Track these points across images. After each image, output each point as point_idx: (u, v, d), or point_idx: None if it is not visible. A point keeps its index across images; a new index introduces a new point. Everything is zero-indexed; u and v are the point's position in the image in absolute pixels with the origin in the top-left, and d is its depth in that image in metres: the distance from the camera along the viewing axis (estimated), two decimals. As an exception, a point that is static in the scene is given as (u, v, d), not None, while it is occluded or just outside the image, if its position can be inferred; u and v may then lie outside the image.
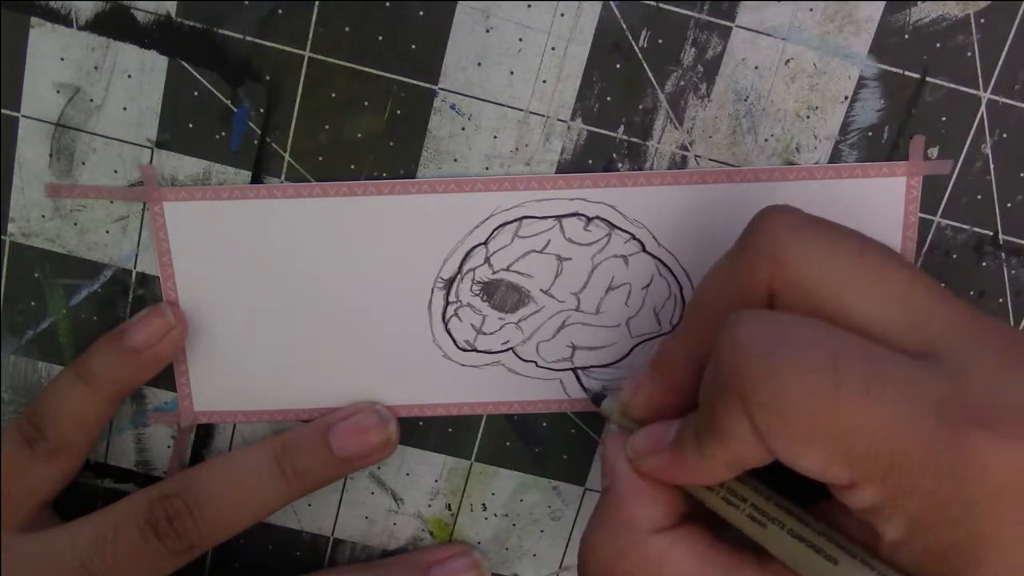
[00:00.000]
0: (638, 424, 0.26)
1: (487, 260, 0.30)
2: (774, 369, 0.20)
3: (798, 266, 0.22)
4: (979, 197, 0.30)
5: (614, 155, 0.30)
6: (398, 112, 0.29)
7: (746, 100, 0.29)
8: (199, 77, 0.29)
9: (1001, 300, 0.31)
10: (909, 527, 0.20)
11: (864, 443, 0.20)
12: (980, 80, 0.29)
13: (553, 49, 0.29)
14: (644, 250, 0.30)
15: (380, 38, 0.29)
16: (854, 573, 0.21)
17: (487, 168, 0.30)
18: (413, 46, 0.29)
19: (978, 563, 0.20)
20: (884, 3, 0.28)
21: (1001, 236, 0.30)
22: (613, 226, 0.30)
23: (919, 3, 0.28)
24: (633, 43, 0.29)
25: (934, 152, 0.30)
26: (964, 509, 0.19)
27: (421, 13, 0.28)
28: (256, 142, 0.30)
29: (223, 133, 0.30)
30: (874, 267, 0.22)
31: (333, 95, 0.29)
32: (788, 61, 0.29)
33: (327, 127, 0.30)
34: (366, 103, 0.29)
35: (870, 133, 0.29)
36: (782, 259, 0.23)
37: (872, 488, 0.20)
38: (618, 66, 0.29)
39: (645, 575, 0.24)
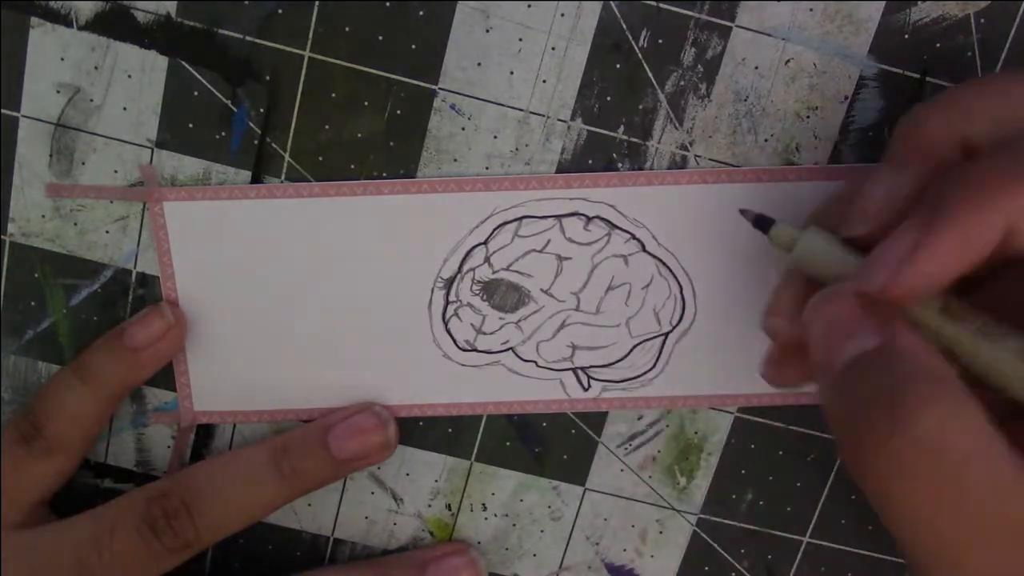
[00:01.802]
0: (844, 257, 0.22)
1: (487, 260, 0.30)
2: None
3: None
4: (979, 197, 0.30)
5: (614, 155, 0.30)
6: (398, 112, 0.29)
7: (746, 100, 0.29)
8: (199, 77, 0.29)
9: (1001, 300, 0.31)
10: None
11: None
12: (980, 80, 0.29)
13: (553, 49, 0.29)
14: (644, 250, 0.30)
15: (380, 38, 0.29)
16: None
17: (487, 168, 0.30)
18: (413, 46, 0.29)
19: None
20: (884, 3, 0.28)
21: (1001, 236, 0.30)
22: (613, 226, 0.30)
23: (919, 3, 0.28)
24: (633, 43, 0.29)
25: (934, 152, 0.30)
26: None
27: (421, 13, 0.28)
28: (256, 142, 0.30)
29: (223, 133, 0.30)
30: None
31: (333, 95, 0.29)
32: (788, 61, 0.29)
33: (327, 127, 0.30)
34: (366, 103, 0.29)
35: (870, 133, 0.29)
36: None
37: None
38: (618, 66, 0.29)
39: (979, 433, 0.19)
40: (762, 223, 0.24)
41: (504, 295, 0.31)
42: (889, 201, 0.22)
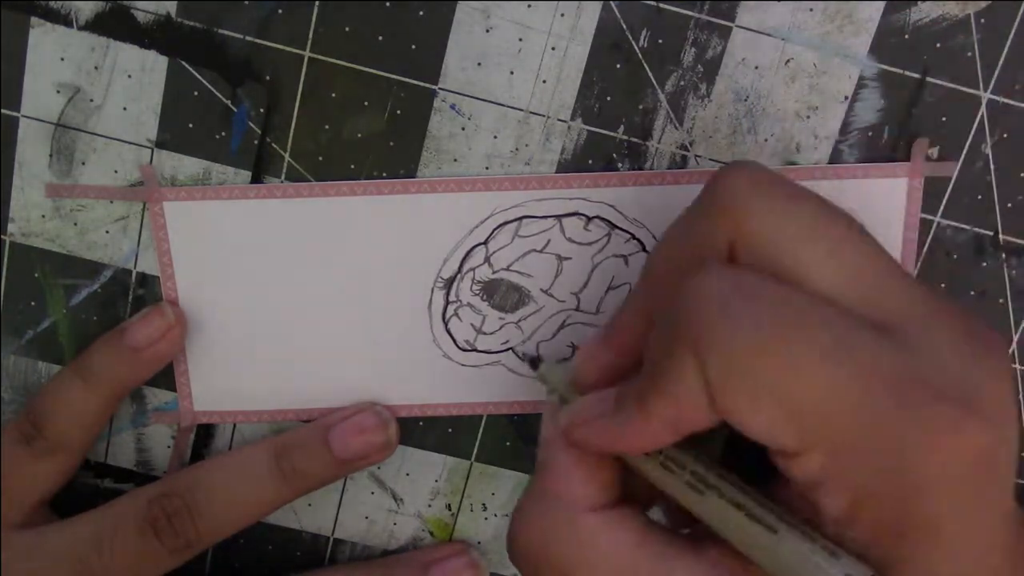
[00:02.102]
0: (579, 394, 0.25)
1: (487, 260, 0.30)
2: (733, 320, 0.20)
3: (758, 224, 0.21)
4: (979, 197, 0.30)
5: (614, 155, 0.30)
6: (398, 112, 0.29)
7: (746, 100, 0.29)
8: (199, 77, 0.29)
9: (1001, 300, 0.31)
10: (852, 503, 0.20)
11: (815, 409, 0.19)
12: (980, 80, 0.29)
13: (553, 49, 0.29)
14: (644, 250, 0.30)
15: (380, 38, 0.29)
16: (794, 544, 0.20)
17: (487, 168, 0.30)
18: (413, 46, 0.29)
19: (917, 545, 0.19)
20: (884, 3, 0.28)
21: (1001, 236, 0.30)
22: (613, 226, 0.30)
23: (919, 3, 0.28)
24: (633, 43, 0.29)
25: (934, 152, 0.30)
26: (907, 489, 0.19)
27: (421, 13, 0.28)
28: (256, 142, 0.30)
29: (223, 133, 0.30)
30: (834, 235, 0.21)
31: (333, 95, 0.29)
32: (788, 61, 0.29)
33: (327, 127, 0.30)
34: (366, 103, 0.29)
35: (870, 133, 0.29)
36: (743, 216, 0.22)
37: (817, 458, 0.19)
38: (618, 66, 0.29)
39: (575, 555, 0.23)
40: (533, 363, 0.28)
41: (504, 295, 0.31)
42: (594, 372, 0.25)
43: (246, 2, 0.28)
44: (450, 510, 0.34)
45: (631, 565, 0.22)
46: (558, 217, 0.30)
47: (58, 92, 0.29)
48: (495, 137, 0.30)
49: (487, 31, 0.28)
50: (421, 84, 0.29)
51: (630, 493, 0.24)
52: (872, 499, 0.19)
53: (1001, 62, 0.29)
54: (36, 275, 0.31)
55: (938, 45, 0.28)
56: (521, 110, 0.29)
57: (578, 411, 0.24)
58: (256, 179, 0.30)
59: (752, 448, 0.21)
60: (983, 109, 0.29)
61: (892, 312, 0.20)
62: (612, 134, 0.29)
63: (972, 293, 0.31)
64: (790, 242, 0.21)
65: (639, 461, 0.23)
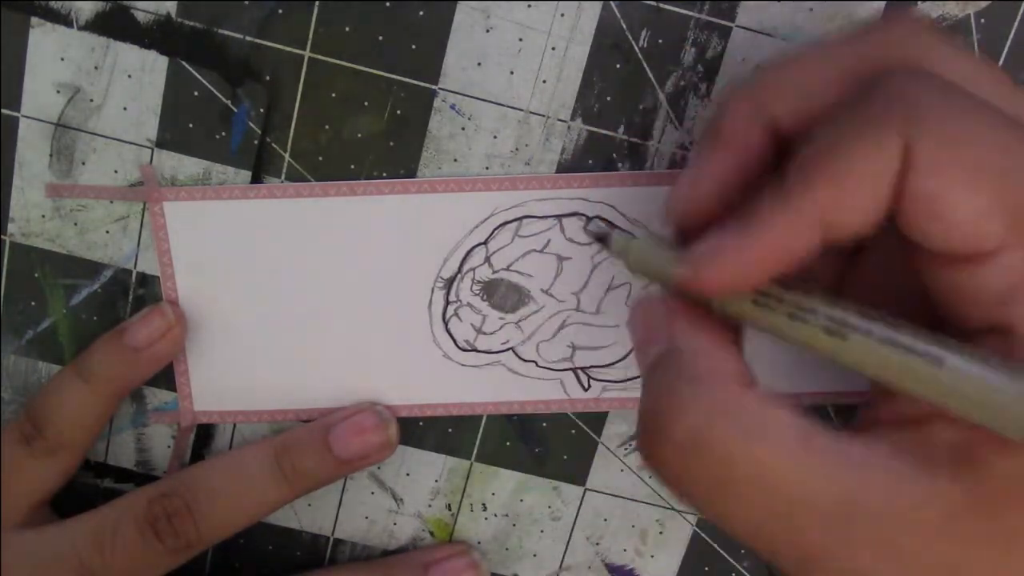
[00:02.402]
0: (671, 243, 0.22)
1: (487, 260, 0.30)
2: (958, 102, 0.18)
3: (930, 61, 0.20)
4: (979, 197, 0.30)
5: (614, 155, 0.30)
6: (398, 112, 0.29)
7: (746, 100, 0.29)
8: (199, 77, 0.29)
9: (1001, 300, 0.31)
10: None
11: None
12: (980, 80, 0.29)
13: (553, 49, 0.29)
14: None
15: (380, 38, 0.29)
16: (967, 372, 0.18)
17: (487, 168, 0.30)
18: (413, 46, 0.29)
19: None
20: (884, 3, 0.28)
21: (1001, 236, 0.30)
22: (613, 226, 0.30)
23: (919, 3, 0.28)
24: (633, 43, 0.29)
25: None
26: None
27: (421, 13, 0.28)
28: (256, 142, 0.30)
29: (223, 133, 0.30)
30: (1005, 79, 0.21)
31: (333, 95, 0.29)
32: (788, 61, 0.29)
33: (327, 127, 0.30)
34: (366, 103, 0.29)
35: (870, 133, 0.29)
36: (914, 51, 0.20)
37: (1021, 255, 0.18)
38: (618, 66, 0.29)
39: (746, 436, 0.19)
40: (602, 238, 0.25)
41: (504, 295, 0.31)
42: (692, 200, 0.22)
43: (246, 2, 0.28)
44: (450, 510, 0.34)
45: (806, 444, 0.19)
46: (558, 217, 0.30)
47: (58, 92, 0.29)
48: (495, 137, 0.30)
49: (487, 31, 0.28)
50: (421, 84, 0.29)
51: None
52: None
53: (1001, 62, 0.29)
54: (36, 275, 0.31)
55: (938, 45, 0.28)
56: (521, 110, 0.29)
57: (702, 253, 0.21)
58: (256, 179, 0.30)
59: None
60: (983, 109, 0.29)
61: None
62: (612, 134, 0.29)
63: (972, 293, 0.31)
64: (965, 75, 0.20)
65: (747, 309, 0.20)
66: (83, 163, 0.30)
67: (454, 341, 0.31)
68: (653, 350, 0.21)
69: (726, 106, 0.22)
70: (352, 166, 0.30)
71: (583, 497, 0.33)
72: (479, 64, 0.29)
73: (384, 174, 0.30)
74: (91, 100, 0.29)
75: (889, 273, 0.22)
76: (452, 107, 0.29)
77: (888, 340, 0.19)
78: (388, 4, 0.28)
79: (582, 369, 0.32)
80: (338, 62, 0.29)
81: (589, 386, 0.32)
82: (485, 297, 0.31)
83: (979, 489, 0.18)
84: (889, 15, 0.22)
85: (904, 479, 0.19)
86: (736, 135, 0.22)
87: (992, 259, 0.18)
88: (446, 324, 0.31)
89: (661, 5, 0.28)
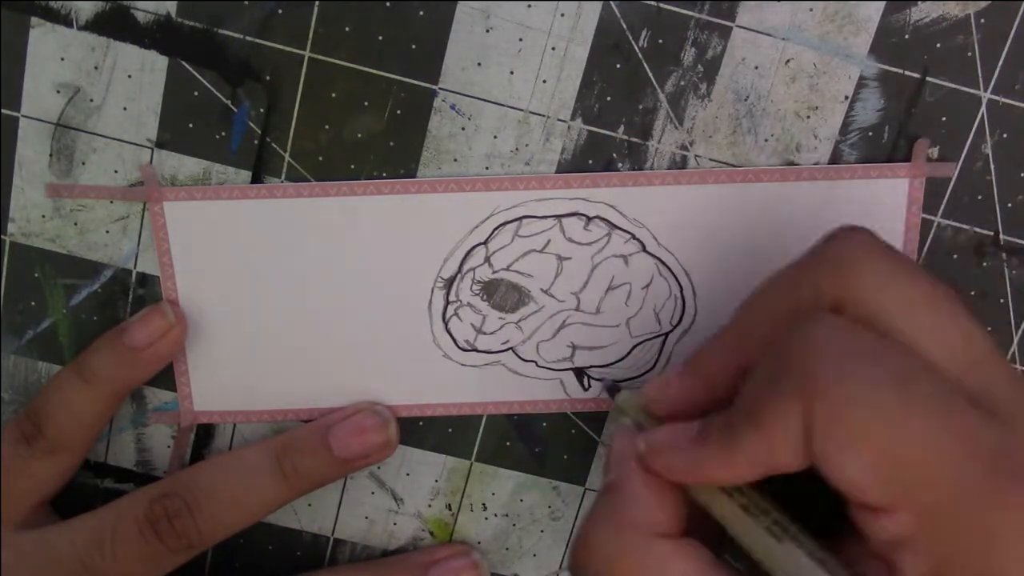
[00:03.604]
0: (655, 422, 0.26)
1: (487, 260, 0.30)
2: (847, 370, 0.20)
3: (871, 287, 0.22)
4: (979, 197, 0.30)
5: (614, 155, 0.30)
6: (398, 112, 0.29)
7: (746, 100, 0.29)
8: (199, 77, 0.29)
9: (1002, 300, 0.31)
10: (934, 569, 0.20)
11: (914, 467, 0.19)
12: (980, 80, 0.29)
13: (553, 49, 0.29)
14: (644, 250, 0.30)
15: (380, 38, 0.29)
16: None
17: (487, 168, 0.30)
18: (413, 46, 0.29)
19: None
20: (884, 3, 0.28)
21: (1001, 236, 0.30)
22: (613, 226, 0.30)
23: (919, 3, 0.28)
24: (633, 43, 0.29)
25: (934, 152, 0.30)
26: (992, 564, 0.19)
27: (421, 13, 0.28)
28: (256, 142, 0.30)
29: (223, 133, 0.30)
30: (943, 309, 0.22)
31: (333, 95, 0.29)
32: (788, 61, 0.29)
33: (327, 127, 0.30)
34: (366, 103, 0.29)
35: (870, 133, 0.29)
36: (856, 276, 0.22)
37: (906, 517, 0.20)
38: (618, 66, 0.29)
39: None
40: (611, 390, 0.28)
41: (504, 295, 0.31)
42: (672, 402, 0.26)
43: (246, 2, 0.28)
44: (450, 510, 0.34)
45: None
46: (558, 217, 0.30)
47: (58, 92, 0.29)
48: (495, 137, 0.30)
49: (487, 31, 0.28)
50: (421, 84, 0.29)
51: (693, 528, 0.24)
52: (955, 568, 0.19)
53: (1001, 62, 0.29)
54: (36, 275, 0.31)
55: (938, 45, 0.28)
56: (521, 110, 0.29)
57: (660, 439, 0.24)
58: (256, 179, 0.30)
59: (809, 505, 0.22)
60: (983, 109, 0.29)
61: (992, 393, 0.21)
62: (612, 134, 0.29)
63: (972, 293, 0.31)
64: (900, 310, 0.22)
65: (715, 499, 0.23)
66: (83, 163, 0.30)
67: (454, 341, 0.31)
68: (608, 476, 0.25)
69: (700, 352, 0.26)
70: (352, 166, 0.30)
71: (583, 497, 0.33)
72: (479, 64, 0.29)
73: (384, 174, 0.30)
74: (91, 100, 0.29)
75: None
76: (452, 107, 0.29)
77: (813, 555, 0.22)
78: (388, 4, 0.28)
79: (582, 369, 0.32)
80: (338, 62, 0.29)
81: (589, 386, 0.32)
82: (485, 297, 0.31)
83: None
84: (839, 238, 0.23)
85: None
86: (705, 374, 0.25)
87: (884, 514, 0.20)
88: (446, 324, 0.31)
89: (661, 5, 0.28)
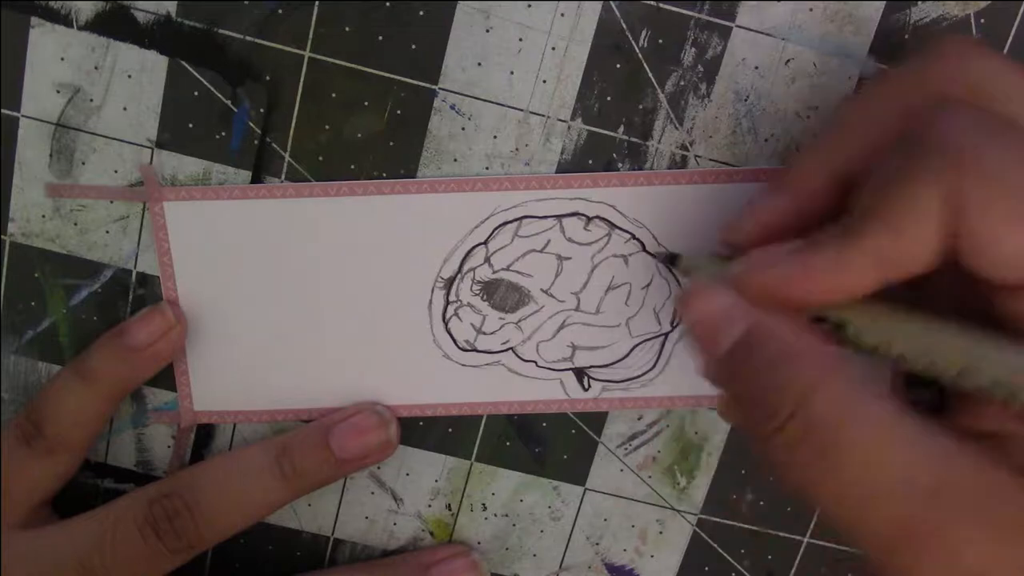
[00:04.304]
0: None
1: (487, 260, 0.30)
2: (999, 140, 0.19)
3: (982, 79, 0.21)
4: (979, 197, 0.30)
5: (614, 155, 0.30)
6: (398, 112, 0.29)
7: (746, 100, 0.29)
8: (199, 77, 0.29)
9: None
10: None
11: None
12: (980, 80, 0.29)
13: (553, 49, 0.29)
14: (644, 250, 0.30)
15: (380, 38, 0.29)
16: None
17: (487, 168, 0.30)
18: (413, 46, 0.29)
19: None
20: (884, 3, 0.28)
21: (1001, 236, 0.30)
22: (613, 226, 0.30)
23: (919, 3, 0.28)
24: (633, 43, 0.29)
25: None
26: None
27: (421, 13, 0.28)
28: (256, 142, 0.30)
29: (223, 133, 0.30)
30: None
31: (333, 95, 0.29)
32: (788, 61, 0.29)
33: (327, 127, 0.30)
34: (366, 103, 0.29)
35: (870, 133, 0.29)
36: (963, 72, 0.21)
37: None
38: (618, 66, 0.29)
39: (852, 419, 0.20)
40: (671, 259, 0.27)
41: (504, 295, 0.31)
42: (758, 225, 0.24)
43: (246, 2, 0.28)
44: (450, 510, 0.34)
45: (900, 427, 0.20)
46: (558, 217, 0.30)
47: (58, 92, 0.29)
48: (495, 137, 0.30)
49: (487, 31, 0.28)
50: (421, 84, 0.29)
51: None
52: None
53: (1001, 62, 0.29)
54: (36, 275, 0.31)
55: (938, 45, 0.28)
56: (521, 110, 0.29)
57: (760, 254, 0.22)
58: (256, 179, 0.30)
59: None
60: (983, 109, 0.29)
61: None
62: (612, 134, 0.29)
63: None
64: (1018, 95, 0.21)
65: (864, 315, 0.21)
66: (83, 163, 0.30)
67: (454, 341, 0.31)
68: (732, 331, 0.21)
69: (794, 161, 0.24)
70: (352, 166, 0.30)
71: (583, 497, 0.33)
72: (479, 64, 0.29)
73: (384, 174, 0.30)
74: (91, 100, 0.29)
75: (952, 299, 0.23)
76: (452, 107, 0.29)
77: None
78: (388, 4, 0.28)
79: (582, 369, 0.32)
80: (338, 62, 0.29)
81: (589, 386, 0.32)
82: (485, 297, 0.31)
83: None
84: (942, 41, 0.23)
85: (988, 464, 0.19)
86: (802, 183, 0.23)
87: None
88: (446, 324, 0.31)
89: (661, 5, 0.28)
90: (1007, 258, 0.19)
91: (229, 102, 0.29)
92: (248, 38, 0.29)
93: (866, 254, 0.20)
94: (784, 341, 0.21)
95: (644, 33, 0.28)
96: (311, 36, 0.29)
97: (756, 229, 0.24)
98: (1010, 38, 0.28)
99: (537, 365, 0.32)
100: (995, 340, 0.20)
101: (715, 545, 0.34)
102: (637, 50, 0.29)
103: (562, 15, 0.28)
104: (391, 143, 0.30)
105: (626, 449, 0.33)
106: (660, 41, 0.29)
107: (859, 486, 0.20)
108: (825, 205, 0.23)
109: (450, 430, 0.33)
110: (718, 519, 0.33)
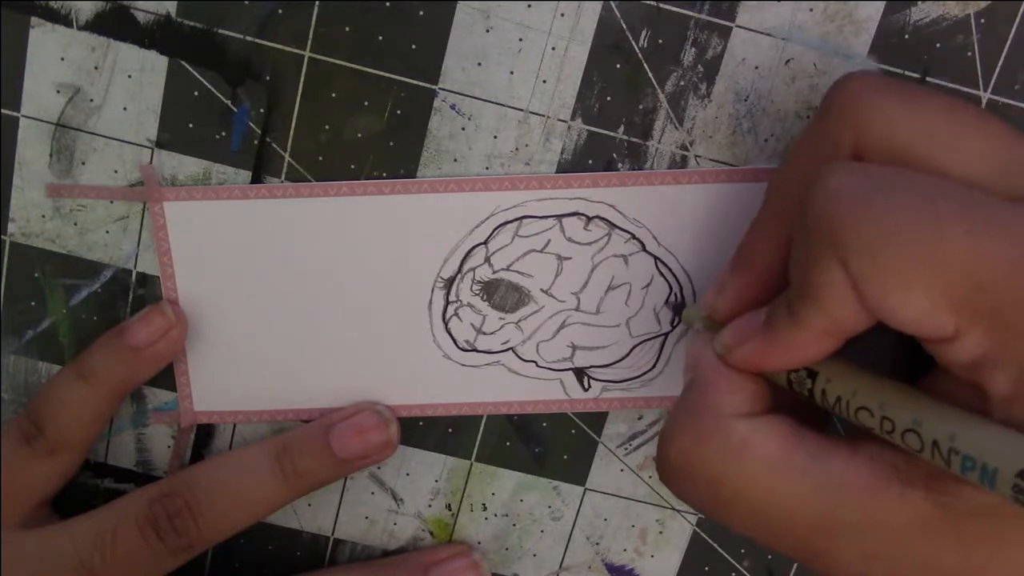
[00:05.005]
0: (722, 326, 0.25)
1: (487, 260, 0.30)
2: (869, 210, 0.19)
3: (885, 125, 0.21)
4: (979, 197, 0.30)
5: (614, 155, 0.30)
6: (398, 112, 0.29)
7: (746, 100, 0.29)
8: (199, 77, 0.29)
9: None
10: (1018, 378, 0.19)
11: (968, 283, 0.18)
12: (980, 80, 0.29)
13: (553, 49, 0.29)
14: (644, 250, 0.30)
15: (380, 38, 0.29)
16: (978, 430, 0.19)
17: (487, 168, 0.30)
18: (413, 46, 0.29)
19: None
20: (884, 3, 0.28)
21: (1001, 236, 0.30)
22: (613, 226, 0.30)
23: (919, 3, 0.28)
24: (633, 43, 0.29)
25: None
26: None
27: (421, 13, 0.28)
28: (256, 142, 0.30)
29: (223, 133, 0.30)
30: (962, 119, 0.21)
31: (333, 95, 0.29)
32: (788, 61, 0.29)
33: (327, 127, 0.30)
34: (366, 103, 0.29)
35: (870, 133, 0.29)
36: (867, 120, 0.21)
37: (977, 335, 0.19)
38: (618, 66, 0.29)
39: (726, 460, 0.22)
40: (678, 309, 0.30)
41: (504, 295, 0.31)
42: (731, 302, 0.26)
43: (246, 2, 0.28)
44: (450, 510, 0.34)
45: (784, 465, 0.22)
46: (558, 217, 0.30)
47: (58, 92, 0.29)
48: (495, 137, 0.30)
49: (487, 31, 0.29)
50: (421, 84, 0.29)
51: (782, 402, 0.24)
52: None
53: (1001, 62, 0.29)
54: (36, 275, 0.31)
55: (938, 45, 0.28)
56: (521, 110, 0.29)
57: (731, 333, 0.24)
58: (256, 179, 0.30)
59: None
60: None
61: None
62: (612, 134, 0.29)
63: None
64: (918, 137, 0.21)
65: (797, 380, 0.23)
66: (83, 163, 0.30)
67: (454, 341, 0.31)
68: (685, 378, 0.25)
69: (745, 238, 0.26)
70: (352, 166, 0.30)
71: (583, 497, 0.33)
72: (479, 64, 0.29)
73: (384, 174, 0.30)
74: (91, 100, 0.29)
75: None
76: (452, 107, 0.29)
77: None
78: (388, 4, 0.28)
79: (582, 369, 0.32)
80: (338, 62, 0.29)
81: (589, 386, 0.32)
82: (485, 297, 0.31)
83: (950, 509, 0.20)
84: (841, 84, 0.23)
85: (879, 493, 0.21)
86: (757, 259, 0.25)
87: (956, 340, 0.19)
88: (446, 324, 0.31)
89: (661, 5, 0.28)
90: (910, 322, 0.19)
91: (229, 102, 0.29)
92: (248, 38, 0.29)
93: (810, 330, 0.21)
94: (698, 395, 0.24)
95: (644, 33, 0.28)
96: (311, 36, 0.29)
97: (731, 305, 0.25)
98: (1010, 38, 0.28)
99: (537, 365, 0.32)
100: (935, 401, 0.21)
101: (715, 545, 0.34)
102: (637, 50, 0.29)
103: (562, 15, 0.28)
104: (391, 143, 0.30)
105: (626, 449, 0.33)
106: (660, 41, 0.29)
107: (744, 521, 0.23)
108: (783, 271, 0.24)
109: (450, 430, 0.33)
110: (718, 519, 0.33)
